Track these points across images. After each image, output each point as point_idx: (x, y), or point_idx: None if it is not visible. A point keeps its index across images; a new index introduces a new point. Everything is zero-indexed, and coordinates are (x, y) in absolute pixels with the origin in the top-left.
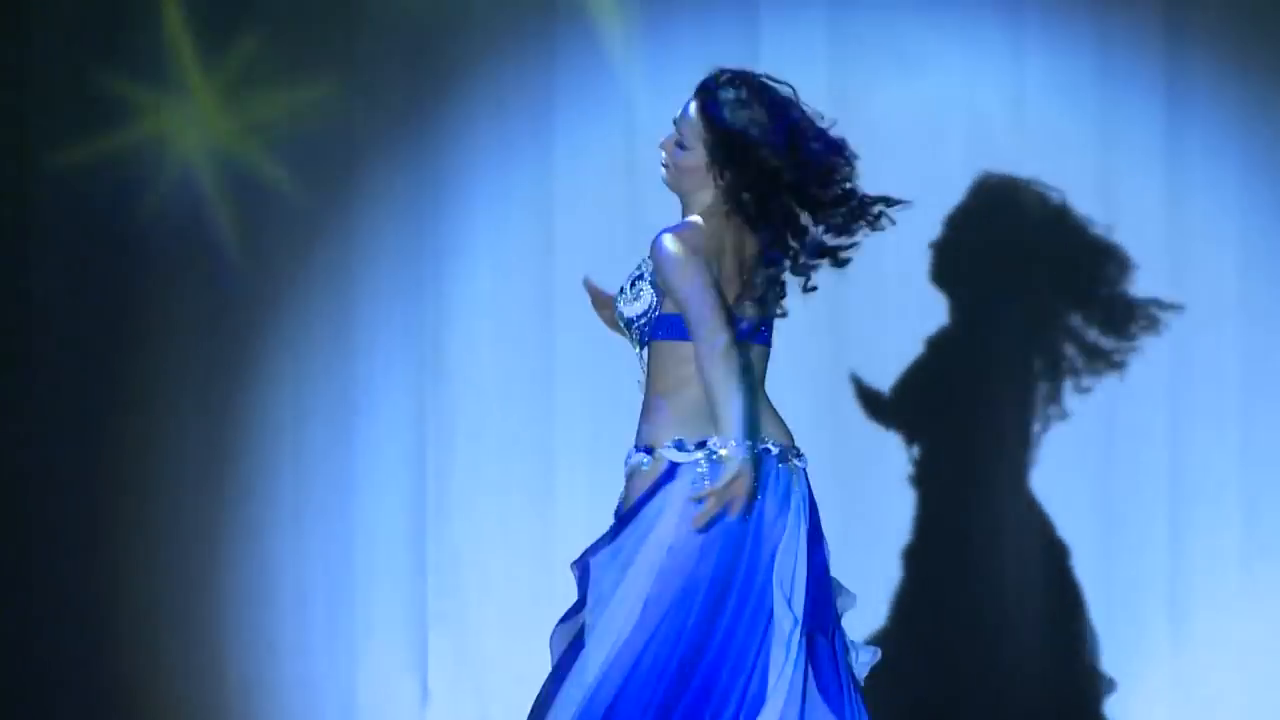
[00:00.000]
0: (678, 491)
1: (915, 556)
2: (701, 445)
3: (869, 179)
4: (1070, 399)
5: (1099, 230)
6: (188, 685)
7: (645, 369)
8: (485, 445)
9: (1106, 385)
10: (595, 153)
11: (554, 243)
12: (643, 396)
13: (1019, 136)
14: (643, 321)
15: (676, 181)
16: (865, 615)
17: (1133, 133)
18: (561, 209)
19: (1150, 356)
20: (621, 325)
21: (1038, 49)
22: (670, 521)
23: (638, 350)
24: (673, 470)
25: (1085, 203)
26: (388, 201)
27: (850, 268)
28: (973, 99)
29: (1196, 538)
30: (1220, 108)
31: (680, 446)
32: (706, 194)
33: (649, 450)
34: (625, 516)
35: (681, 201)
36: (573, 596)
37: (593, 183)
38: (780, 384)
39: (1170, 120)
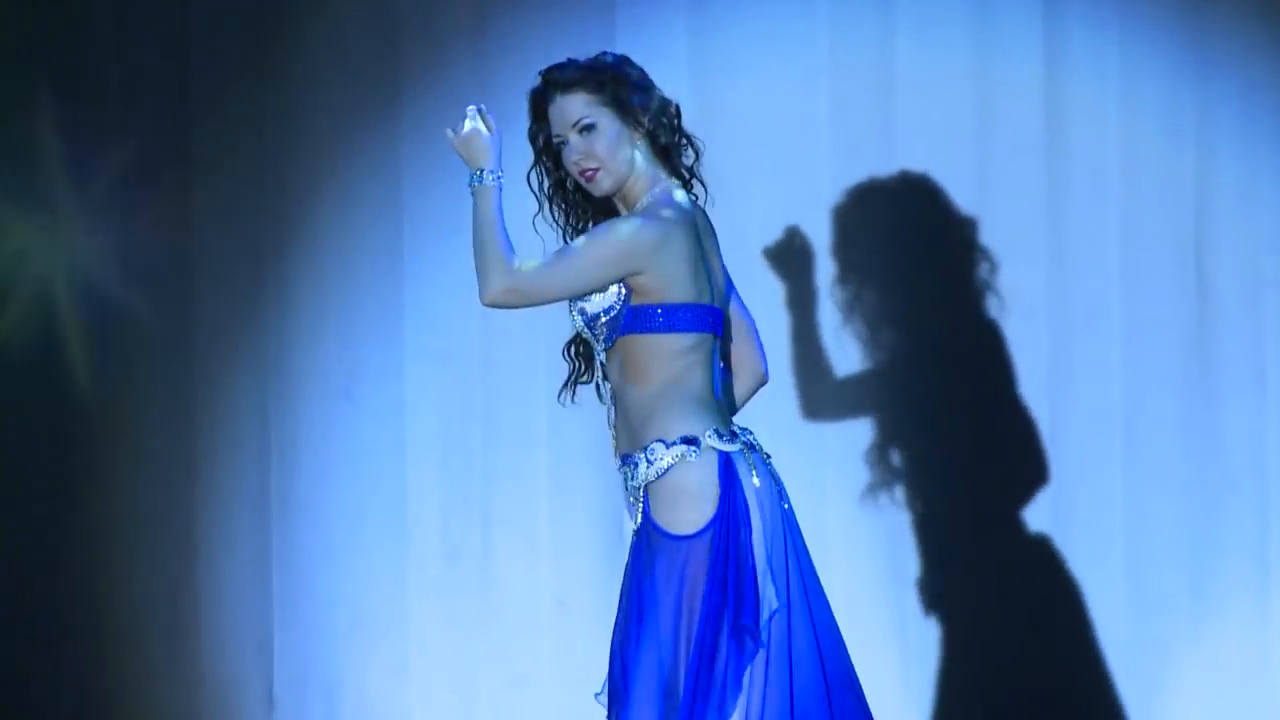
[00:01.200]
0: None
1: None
2: (732, 434)
3: (734, 164)
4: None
5: (973, 221)
6: (15, 692)
7: (611, 369)
8: (332, 443)
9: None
10: (444, 151)
11: (401, 239)
12: (616, 399)
13: (887, 121)
14: (609, 317)
15: (613, 170)
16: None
17: (1012, 118)
18: (410, 204)
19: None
20: (582, 325)
21: (909, 25)
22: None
23: (601, 351)
24: (729, 461)
25: (960, 193)
26: (225, 200)
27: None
28: (838, 80)
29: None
30: (1099, 79)
31: (720, 436)
32: (638, 176)
33: (690, 441)
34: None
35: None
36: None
37: (441, 181)
38: None
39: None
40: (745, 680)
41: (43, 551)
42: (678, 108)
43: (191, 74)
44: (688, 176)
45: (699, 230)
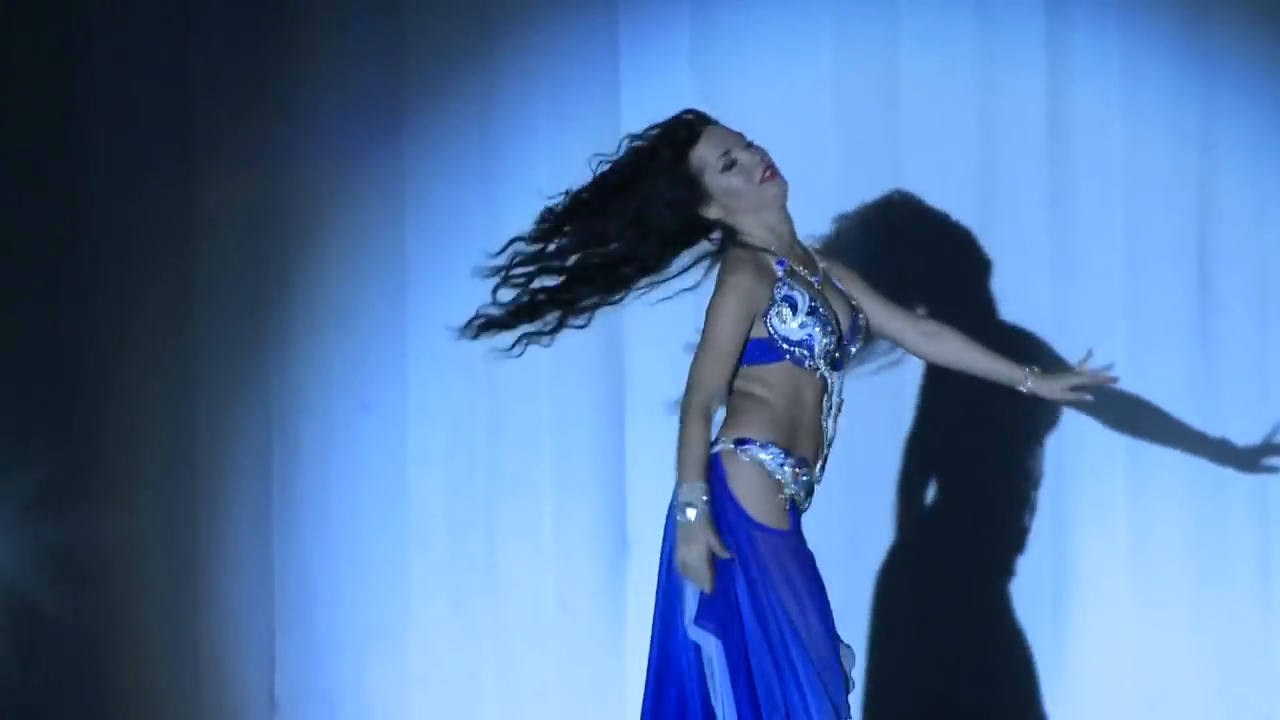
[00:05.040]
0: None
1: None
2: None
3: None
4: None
5: (977, 227)
6: (18, 697)
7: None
8: (333, 448)
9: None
10: (449, 151)
11: (405, 242)
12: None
13: (891, 127)
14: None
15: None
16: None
17: (1015, 125)
18: (413, 209)
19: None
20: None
21: (912, 33)
22: None
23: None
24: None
25: (964, 200)
26: (229, 203)
27: None
28: (842, 87)
29: (1082, 535)
30: (1102, 85)
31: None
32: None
33: None
34: None
35: (748, 223)
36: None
37: (445, 182)
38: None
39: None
40: None
41: (47, 560)
42: None
43: (194, 84)
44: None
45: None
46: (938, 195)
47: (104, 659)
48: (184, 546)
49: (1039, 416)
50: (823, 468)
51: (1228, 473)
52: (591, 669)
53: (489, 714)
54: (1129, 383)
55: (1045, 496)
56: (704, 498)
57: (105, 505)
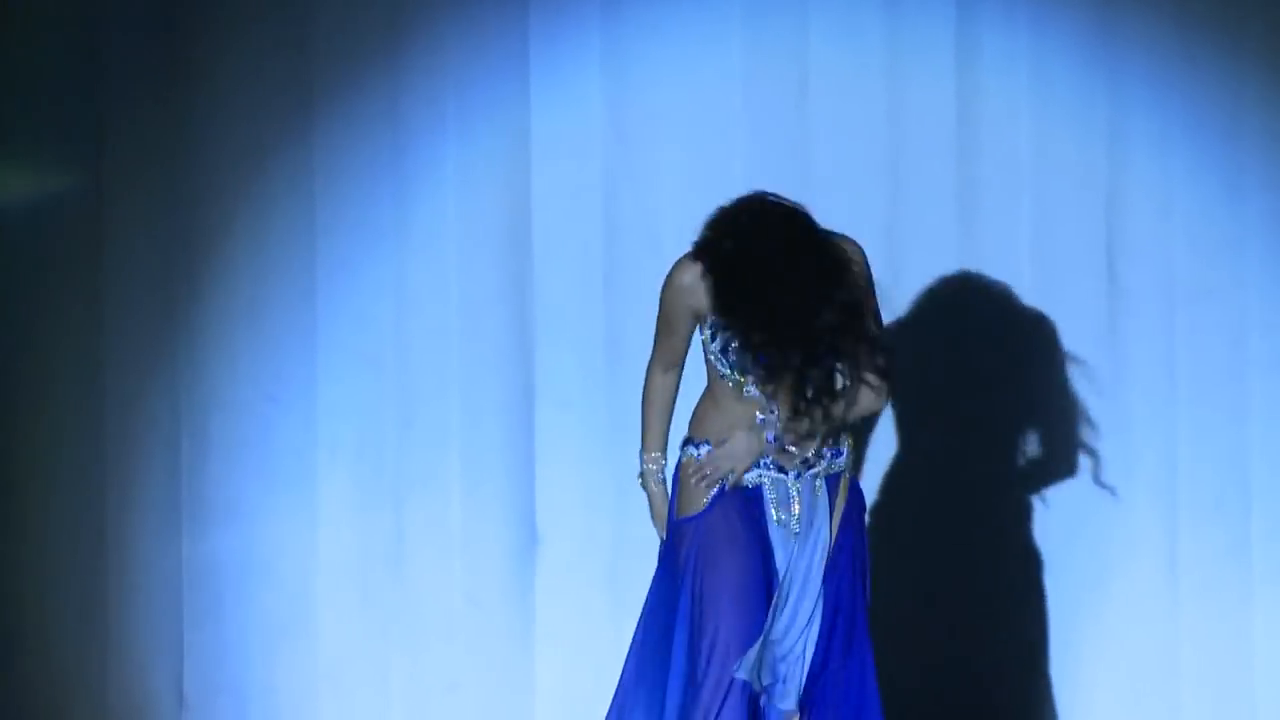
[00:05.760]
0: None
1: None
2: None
3: (647, 165)
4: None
5: (885, 223)
6: None
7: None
8: (242, 443)
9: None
10: (359, 146)
11: (315, 237)
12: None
13: (800, 122)
14: None
15: None
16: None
17: (923, 121)
18: (322, 205)
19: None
20: None
21: (821, 28)
22: None
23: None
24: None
25: (873, 195)
26: (137, 198)
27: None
28: (751, 80)
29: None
30: (1010, 82)
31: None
32: None
33: None
34: None
35: None
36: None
37: (354, 177)
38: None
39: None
40: None
41: None
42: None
43: (103, 79)
44: None
45: None
46: (846, 190)
47: (10, 654)
48: (92, 540)
49: (944, 414)
50: (805, 457)
51: (1132, 468)
52: (500, 663)
53: (398, 709)
54: (1037, 377)
55: (953, 495)
56: (653, 467)
57: (12, 499)
